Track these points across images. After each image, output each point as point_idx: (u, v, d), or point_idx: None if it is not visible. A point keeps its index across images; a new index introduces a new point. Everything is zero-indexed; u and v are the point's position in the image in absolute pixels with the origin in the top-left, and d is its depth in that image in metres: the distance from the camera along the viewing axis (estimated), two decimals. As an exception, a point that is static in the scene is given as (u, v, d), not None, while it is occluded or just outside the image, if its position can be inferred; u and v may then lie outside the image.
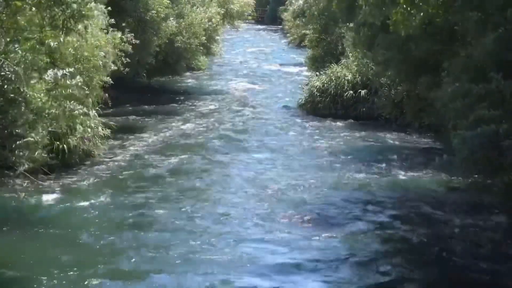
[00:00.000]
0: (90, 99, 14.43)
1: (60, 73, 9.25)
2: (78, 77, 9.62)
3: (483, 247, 10.52)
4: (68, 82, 9.28)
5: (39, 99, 8.98)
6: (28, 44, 8.99)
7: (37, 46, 9.67)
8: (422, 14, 10.36)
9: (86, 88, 12.90)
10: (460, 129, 9.36)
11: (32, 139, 8.89)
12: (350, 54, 22.32)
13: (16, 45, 9.22)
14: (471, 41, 8.62)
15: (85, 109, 12.90)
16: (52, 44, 10.99)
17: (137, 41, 16.96)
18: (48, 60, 11.59)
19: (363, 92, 21.12)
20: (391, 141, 18.63)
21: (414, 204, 12.91)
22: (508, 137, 8.66)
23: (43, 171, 13.32)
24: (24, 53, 8.78)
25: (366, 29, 13.24)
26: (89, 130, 14.69)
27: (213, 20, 27.64)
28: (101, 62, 14.69)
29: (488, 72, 8.56)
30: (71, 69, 10.11)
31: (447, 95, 9.39)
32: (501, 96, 8.75)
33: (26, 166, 9.58)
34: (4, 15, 8.41)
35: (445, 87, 9.73)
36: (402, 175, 14.90)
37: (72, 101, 10.67)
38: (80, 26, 9.67)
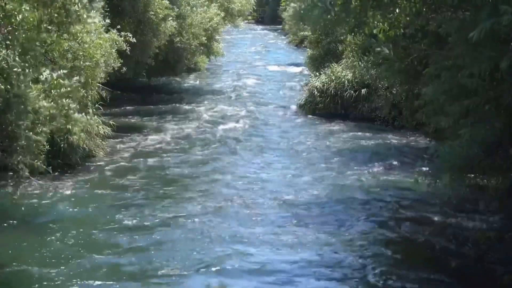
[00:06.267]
0: (88, 99, 14.47)
1: (55, 74, 9.28)
2: (75, 78, 9.65)
3: (480, 247, 10.56)
4: (62, 81, 9.31)
5: (36, 99, 9.01)
6: (26, 42, 9.00)
7: (36, 44, 9.67)
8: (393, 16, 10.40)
9: (83, 90, 12.89)
10: (440, 124, 9.42)
11: (31, 140, 8.90)
12: (350, 54, 22.42)
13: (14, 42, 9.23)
14: (454, 40, 8.60)
15: (79, 108, 12.78)
16: (48, 41, 11.07)
17: (134, 40, 16.99)
18: (45, 57, 11.64)
19: (363, 91, 21.15)
20: (391, 142, 18.65)
21: (412, 204, 12.97)
22: (498, 141, 8.70)
23: (43, 171, 13.33)
24: (22, 53, 8.81)
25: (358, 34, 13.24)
26: (88, 128, 14.65)
27: (213, 19, 27.75)
28: (99, 61, 14.70)
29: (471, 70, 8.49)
30: (65, 71, 10.12)
31: (429, 92, 9.41)
32: (489, 95, 8.72)
33: (27, 172, 9.61)
34: (2, 14, 8.45)
35: (428, 83, 9.75)
36: (401, 176, 14.94)
37: (68, 100, 10.70)
38: (77, 27, 9.73)
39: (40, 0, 8.72)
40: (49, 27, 9.37)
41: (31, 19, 8.82)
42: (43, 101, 9.10)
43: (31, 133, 8.91)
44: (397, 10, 10.24)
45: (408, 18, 10.32)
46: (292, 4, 32.11)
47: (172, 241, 10.81)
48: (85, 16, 9.37)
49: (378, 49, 10.58)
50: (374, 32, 10.86)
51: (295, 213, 12.38)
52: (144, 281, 9.40)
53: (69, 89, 9.26)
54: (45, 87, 9.25)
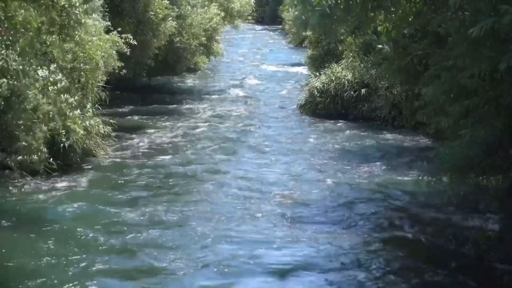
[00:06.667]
0: (88, 100, 14.47)
1: (47, 71, 9.31)
2: (60, 76, 9.66)
3: (480, 247, 10.57)
4: (56, 77, 9.35)
5: (34, 98, 9.04)
6: (26, 43, 9.02)
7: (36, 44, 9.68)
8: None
9: (82, 90, 12.91)
10: (440, 125, 9.43)
11: (31, 141, 8.92)
12: (351, 54, 22.46)
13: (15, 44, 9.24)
14: (454, 40, 8.60)
15: (76, 105, 12.81)
16: (48, 43, 11.09)
17: (135, 42, 16.98)
18: (45, 57, 11.67)
19: (363, 91, 21.14)
20: (391, 142, 18.68)
21: (412, 204, 12.98)
22: (498, 141, 8.71)
23: (43, 171, 13.35)
24: (22, 53, 8.83)
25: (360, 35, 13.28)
26: (88, 127, 14.66)
27: (213, 20, 27.78)
28: (99, 63, 14.68)
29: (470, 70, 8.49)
30: (55, 65, 10.15)
31: (429, 92, 9.42)
32: (489, 95, 8.72)
33: (27, 172, 9.64)
34: (3, 15, 8.46)
35: (428, 83, 9.78)
36: (401, 176, 14.94)
37: (66, 95, 10.67)
38: (77, 33, 9.78)
39: (41, 3, 8.73)
40: (51, 29, 9.37)
41: (32, 22, 8.83)
42: (41, 97, 9.11)
43: (30, 133, 8.92)
44: (400, 11, 10.26)
45: (410, 19, 10.34)
46: (292, 11, 32.13)
47: (173, 239, 10.81)
48: (83, 21, 9.38)
49: (380, 46, 10.58)
50: (379, 29, 10.86)
51: (295, 212, 12.39)
52: (145, 280, 9.39)
53: (64, 83, 9.27)
54: (42, 85, 9.27)
